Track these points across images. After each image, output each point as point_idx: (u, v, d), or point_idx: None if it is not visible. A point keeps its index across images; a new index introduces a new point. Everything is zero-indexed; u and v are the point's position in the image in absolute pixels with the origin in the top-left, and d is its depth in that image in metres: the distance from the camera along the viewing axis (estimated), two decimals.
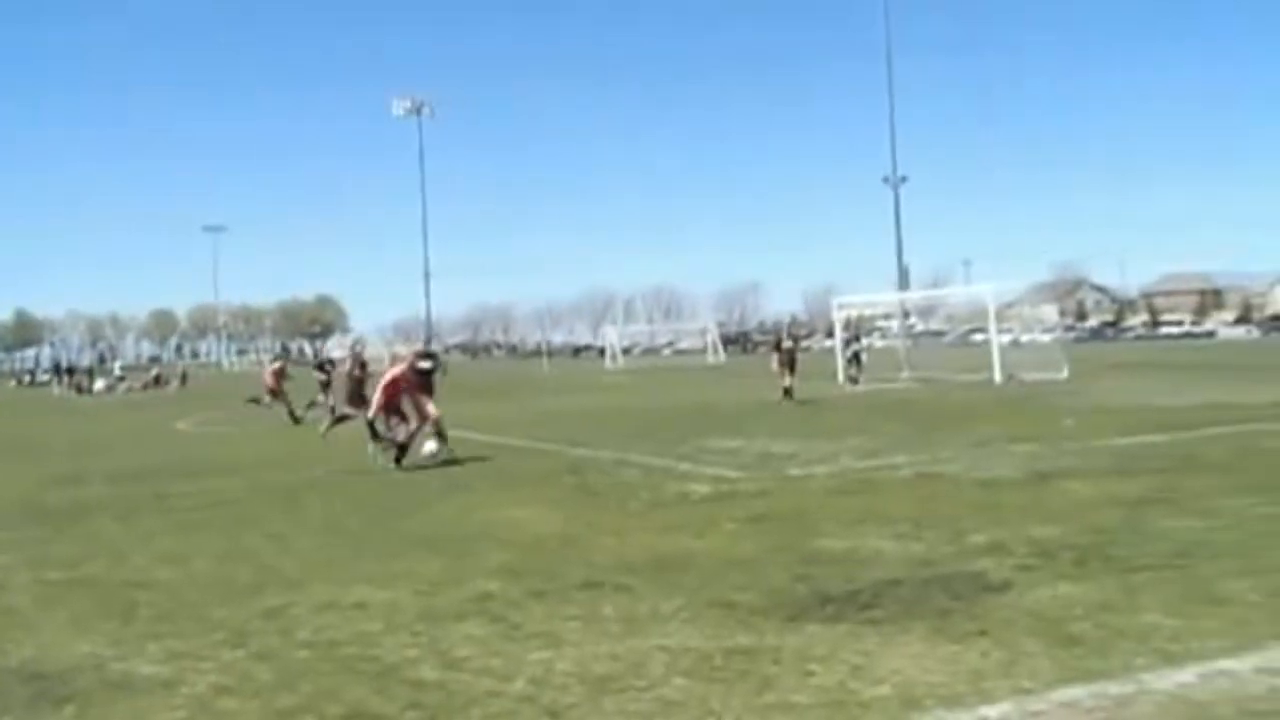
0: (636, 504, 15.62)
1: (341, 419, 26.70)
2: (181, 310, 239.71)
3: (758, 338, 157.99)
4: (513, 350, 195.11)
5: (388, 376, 22.63)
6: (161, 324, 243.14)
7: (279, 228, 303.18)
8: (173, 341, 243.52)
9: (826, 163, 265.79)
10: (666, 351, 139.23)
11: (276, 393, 37.82)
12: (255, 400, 38.82)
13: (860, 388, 43.20)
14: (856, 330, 47.79)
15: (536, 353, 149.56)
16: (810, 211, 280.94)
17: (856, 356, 46.80)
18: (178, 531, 14.78)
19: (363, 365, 28.24)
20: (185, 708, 7.57)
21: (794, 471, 18.18)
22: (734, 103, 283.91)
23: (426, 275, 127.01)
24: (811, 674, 7.62)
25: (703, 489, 16.56)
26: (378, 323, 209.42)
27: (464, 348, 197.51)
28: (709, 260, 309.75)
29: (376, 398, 22.31)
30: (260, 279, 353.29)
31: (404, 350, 26.61)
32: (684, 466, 19.35)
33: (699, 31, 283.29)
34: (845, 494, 15.63)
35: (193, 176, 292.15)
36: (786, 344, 38.87)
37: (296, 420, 35.56)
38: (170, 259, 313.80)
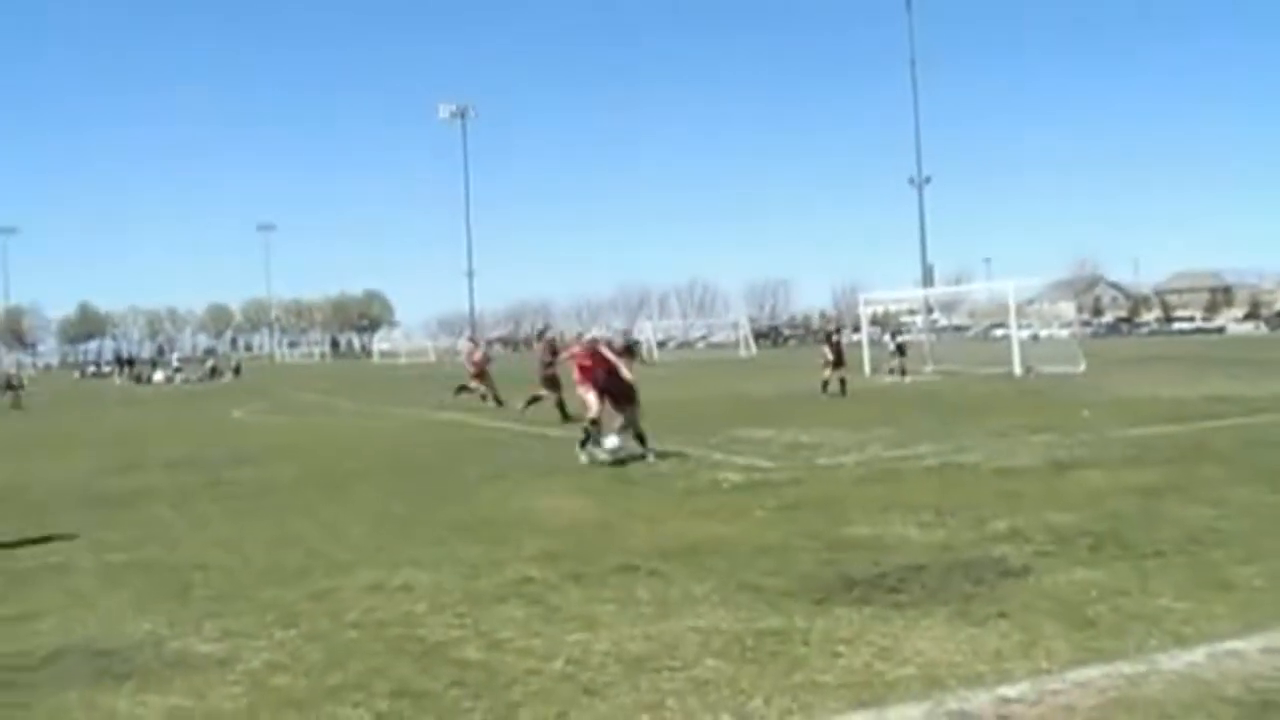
0: (670, 492, 15.65)
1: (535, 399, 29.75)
2: (236, 305, 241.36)
3: (788, 332, 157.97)
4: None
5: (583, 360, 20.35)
6: (217, 318, 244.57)
7: (329, 226, 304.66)
8: (227, 335, 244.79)
9: (855, 163, 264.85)
10: (700, 345, 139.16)
11: (481, 377, 37.30)
12: (464, 389, 37.19)
13: (905, 379, 42.88)
14: (898, 324, 47.56)
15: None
16: (839, 210, 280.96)
17: (901, 349, 46.47)
18: (231, 517, 14.90)
19: (554, 352, 29.40)
20: (240, 684, 7.64)
21: (822, 461, 18.17)
22: (767, 104, 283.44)
23: (470, 272, 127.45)
24: (839, 655, 7.64)
25: (734, 478, 16.57)
26: (423, 317, 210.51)
27: (505, 341, 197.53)
28: (740, 257, 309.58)
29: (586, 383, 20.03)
30: (311, 275, 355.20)
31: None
32: (716, 456, 19.35)
33: (734, 35, 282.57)
34: (871, 482, 15.62)
35: (248, 177, 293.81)
36: (836, 337, 38.64)
37: (500, 403, 35.01)
38: (226, 256, 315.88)
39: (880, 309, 52.16)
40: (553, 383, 29.45)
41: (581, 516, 13.94)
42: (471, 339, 38.64)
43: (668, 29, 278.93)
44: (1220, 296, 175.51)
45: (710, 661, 7.61)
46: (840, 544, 11.42)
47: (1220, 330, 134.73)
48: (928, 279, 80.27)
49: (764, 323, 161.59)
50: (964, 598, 9.01)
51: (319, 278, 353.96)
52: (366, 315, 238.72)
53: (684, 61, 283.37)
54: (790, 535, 12.04)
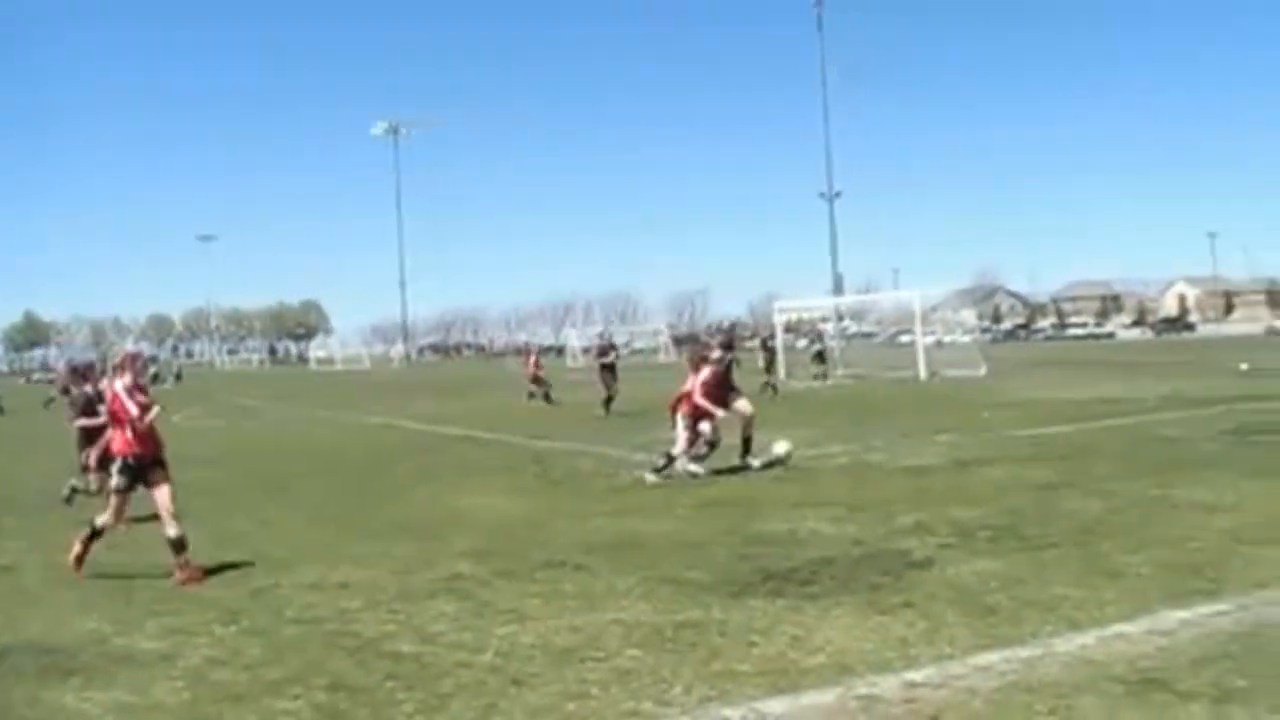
0: (594, 491, 15.68)
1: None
2: (177, 314, 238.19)
3: (705, 338, 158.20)
4: (481, 350, 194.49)
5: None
6: (159, 327, 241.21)
7: (268, 238, 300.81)
8: (169, 343, 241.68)
9: (770, 177, 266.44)
10: (623, 351, 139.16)
11: (539, 380, 38.51)
12: (532, 395, 38.29)
13: (827, 383, 43.14)
14: (817, 331, 47.73)
15: (503, 353, 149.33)
16: (755, 223, 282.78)
17: (821, 355, 46.77)
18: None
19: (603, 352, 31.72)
20: (182, 679, 7.57)
21: (738, 461, 18.23)
22: (688, 121, 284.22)
23: (403, 282, 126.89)
24: (754, 644, 7.69)
25: (654, 477, 16.59)
26: (357, 325, 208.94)
27: (436, 348, 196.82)
28: (661, 268, 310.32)
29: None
30: (250, 285, 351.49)
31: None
32: (638, 456, 19.37)
33: (653, 56, 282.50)
34: (786, 481, 15.72)
35: (188, 190, 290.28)
36: (770, 343, 38.93)
37: (551, 402, 36.71)
38: (167, 267, 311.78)
39: (794, 316, 52.25)
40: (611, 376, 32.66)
41: (510, 515, 13.93)
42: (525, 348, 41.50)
43: (595, 48, 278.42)
44: (1110, 304, 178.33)
45: (633, 652, 7.64)
46: (756, 539, 11.49)
47: (1110, 336, 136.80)
48: (839, 288, 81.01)
49: (684, 330, 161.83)
50: (872, 588, 9.09)
51: (258, 287, 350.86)
52: (303, 324, 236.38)
53: (609, 79, 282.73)
54: (709, 531, 12.10)
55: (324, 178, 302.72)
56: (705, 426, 17.02)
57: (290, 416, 38.48)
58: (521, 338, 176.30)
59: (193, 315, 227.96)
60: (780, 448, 17.40)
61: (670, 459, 16.71)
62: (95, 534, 11.07)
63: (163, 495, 10.86)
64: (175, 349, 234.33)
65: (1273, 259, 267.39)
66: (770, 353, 37.52)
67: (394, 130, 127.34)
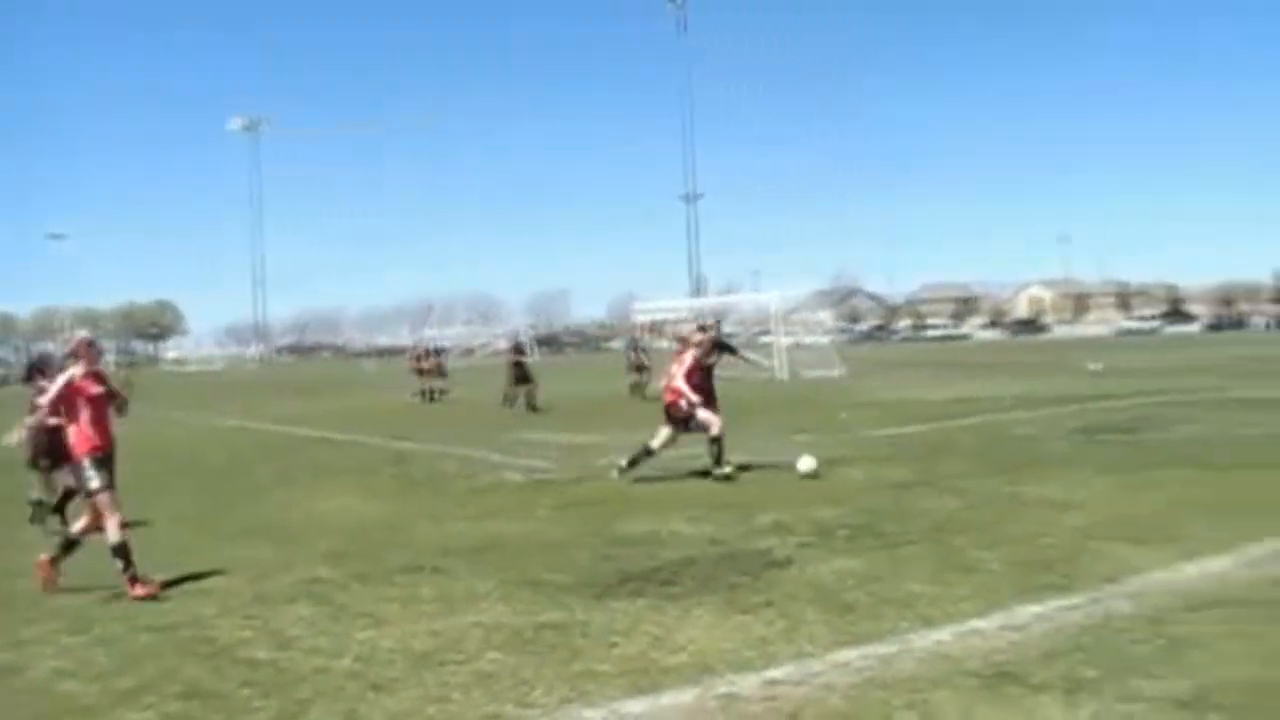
0: (455, 493, 15.59)
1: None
2: (25, 313, 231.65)
3: (566, 339, 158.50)
4: (339, 351, 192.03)
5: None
6: (4, 325, 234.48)
7: (121, 236, 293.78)
8: (13, 342, 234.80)
9: (633, 179, 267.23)
10: (483, 352, 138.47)
11: (425, 372, 39.99)
12: (423, 394, 39.18)
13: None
14: (676, 333, 48.06)
15: (362, 354, 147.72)
16: (617, 223, 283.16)
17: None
18: (22, 524, 14.29)
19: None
20: (26, 692, 7.38)
21: (601, 462, 18.26)
22: (549, 120, 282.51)
23: (260, 281, 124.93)
24: (615, 645, 7.72)
25: (516, 479, 16.58)
26: (213, 326, 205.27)
27: (293, 349, 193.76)
28: (522, 268, 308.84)
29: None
30: (102, 284, 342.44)
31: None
32: (499, 458, 19.33)
33: (515, 54, 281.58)
34: (645, 481, 15.75)
35: (38, 186, 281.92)
36: (644, 344, 39.10)
37: (434, 400, 38.37)
38: (14, 265, 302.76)
39: (653, 318, 52.45)
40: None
41: (369, 517, 13.81)
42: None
43: (453, 45, 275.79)
44: (966, 306, 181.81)
45: (493, 654, 7.62)
46: (617, 540, 11.53)
47: (966, 337, 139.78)
48: (699, 289, 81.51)
49: (544, 331, 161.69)
50: (732, 588, 9.18)
51: (110, 287, 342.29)
52: (157, 324, 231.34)
53: (469, 76, 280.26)
54: (570, 532, 12.12)
55: (181, 175, 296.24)
56: (704, 415, 16.18)
57: (141, 418, 37.62)
58: (380, 339, 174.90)
59: (42, 314, 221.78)
60: (806, 464, 15.50)
61: (649, 452, 16.36)
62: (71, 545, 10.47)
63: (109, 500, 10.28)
64: (18, 349, 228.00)
65: (1122, 262, 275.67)
66: (642, 353, 37.67)
67: (252, 127, 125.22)
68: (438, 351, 43.70)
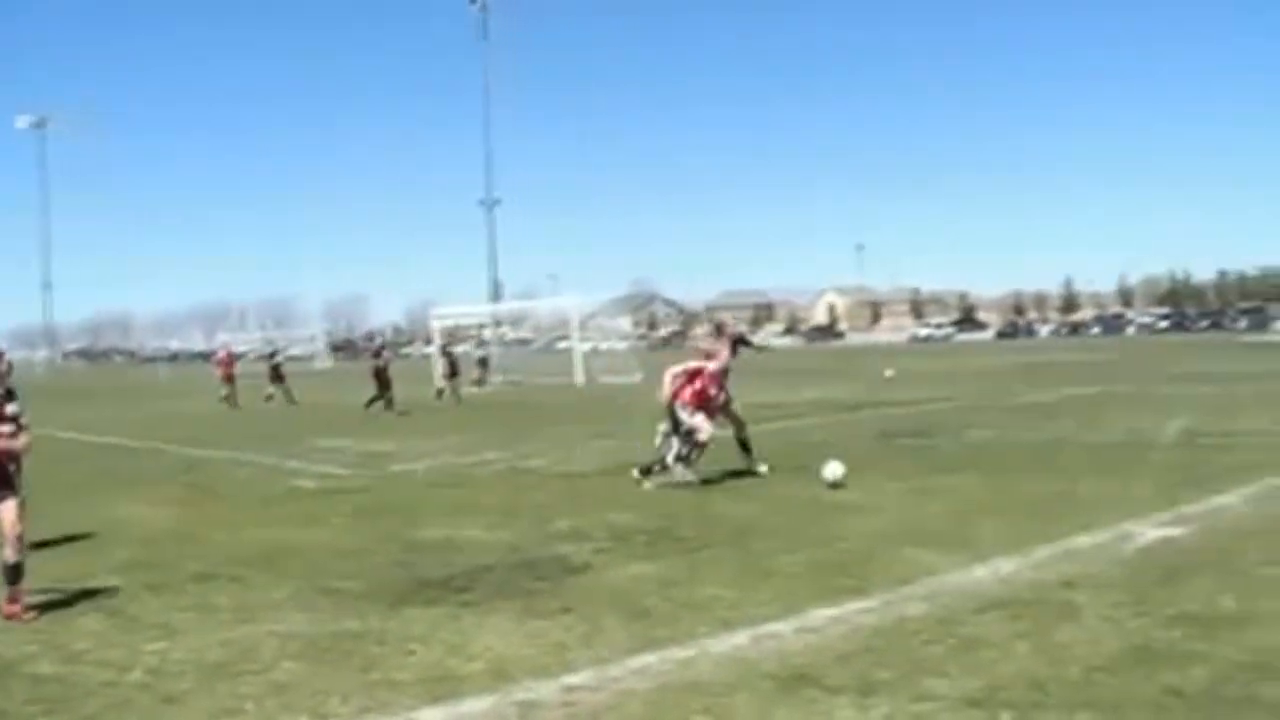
0: (249, 500, 15.32)
1: None
2: None
3: (363, 345, 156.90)
4: (131, 356, 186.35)
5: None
6: None
7: None
8: None
9: (432, 182, 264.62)
10: (279, 358, 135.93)
11: (232, 379, 39.87)
12: (224, 399, 38.80)
13: (484, 389, 43.24)
14: (480, 338, 47.74)
15: (154, 359, 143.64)
16: (415, 228, 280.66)
17: (484, 361, 46.92)
18: None
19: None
20: None
21: (396, 468, 18.14)
22: (346, 123, 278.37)
23: (47, 284, 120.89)
24: (412, 653, 7.66)
25: (311, 485, 16.35)
26: None
27: (83, 354, 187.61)
28: (319, 273, 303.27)
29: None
30: None
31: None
32: (294, 464, 19.04)
33: (310, 54, 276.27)
34: (443, 487, 15.71)
35: None
36: (449, 350, 38.91)
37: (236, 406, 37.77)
38: None
39: (452, 323, 52.17)
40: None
41: (161, 526, 13.46)
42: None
43: (255, 47, 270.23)
44: (763, 312, 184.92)
45: (288, 664, 7.50)
46: (413, 547, 11.45)
47: None
48: (497, 295, 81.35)
49: (341, 336, 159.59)
50: (529, 594, 9.19)
51: None
52: None
53: (269, 79, 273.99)
54: (366, 539, 12.00)
55: None
56: (700, 420, 15.37)
57: None
58: (173, 344, 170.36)
59: None
60: (833, 471, 14.46)
61: (684, 457, 15.39)
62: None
63: (8, 512, 9.50)
64: None
65: (916, 270, 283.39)
66: (452, 359, 37.49)
67: (40, 124, 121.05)
68: (272, 355, 43.07)
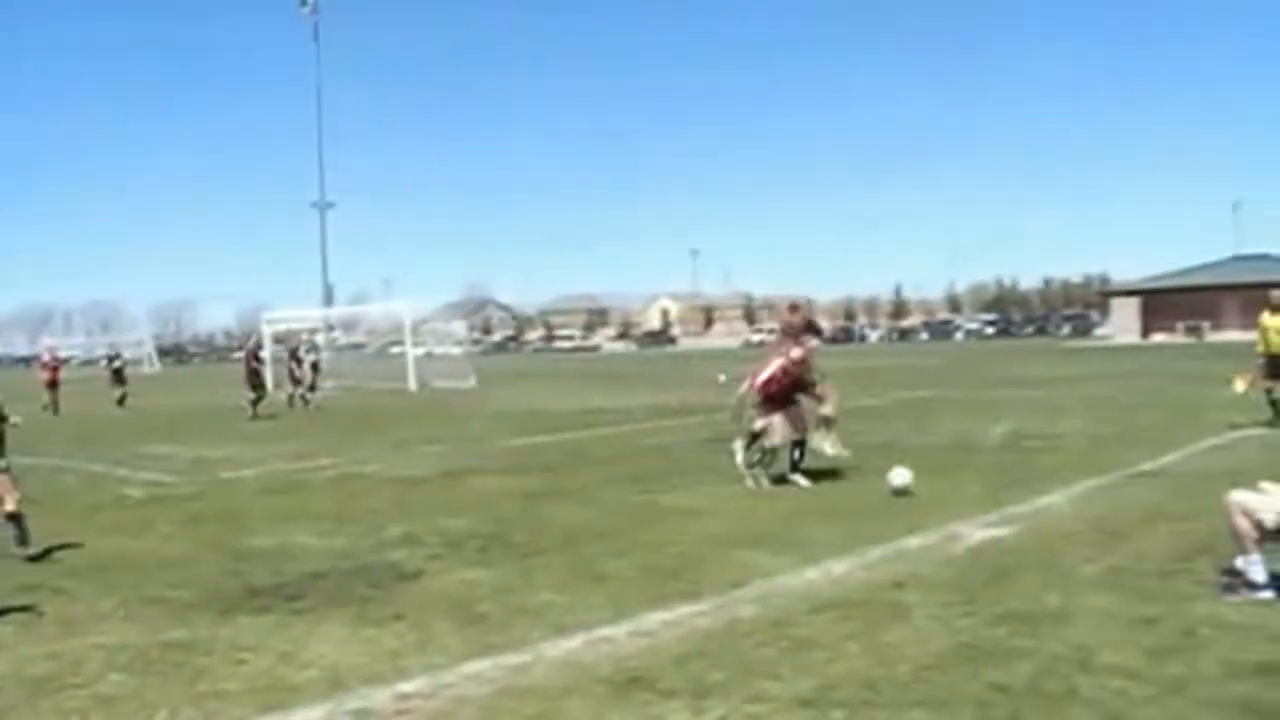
0: (75, 509, 14.89)
1: None
2: None
3: (193, 349, 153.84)
4: None
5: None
6: None
7: None
8: None
9: (263, 185, 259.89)
10: (104, 363, 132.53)
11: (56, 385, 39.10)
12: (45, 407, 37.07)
13: (315, 394, 42.70)
14: (311, 343, 47.07)
15: None
16: (246, 230, 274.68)
17: (315, 366, 46.35)
18: None
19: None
20: None
21: (226, 475, 17.85)
22: (173, 121, 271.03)
23: None
24: (243, 662, 7.55)
25: (139, 493, 16.00)
26: None
27: None
28: (146, 277, 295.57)
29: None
30: None
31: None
32: (121, 472, 18.61)
33: (137, 52, 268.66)
34: (274, 494, 15.50)
35: None
36: (302, 354, 38.32)
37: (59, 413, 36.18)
38: None
39: (283, 328, 51.33)
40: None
41: None
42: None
43: (81, 44, 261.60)
44: (597, 317, 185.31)
45: (115, 677, 7.33)
46: (244, 554, 11.28)
47: (596, 348, 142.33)
48: (329, 299, 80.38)
49: (169, 341, 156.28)
50: (362, 601, 9.12)
51: None
52: None
53: (89, 74, 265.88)
54: (195, 548, 11.79)
55: None
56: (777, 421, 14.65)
57: None
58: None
59: None
60: (901, 478, 13.57)
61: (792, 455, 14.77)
62: None
63: None
64: None
65: (749, 275, 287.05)
66: (301, 363, 36.92)
67: None
68: (115, 358, 42.10)
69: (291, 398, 35.77)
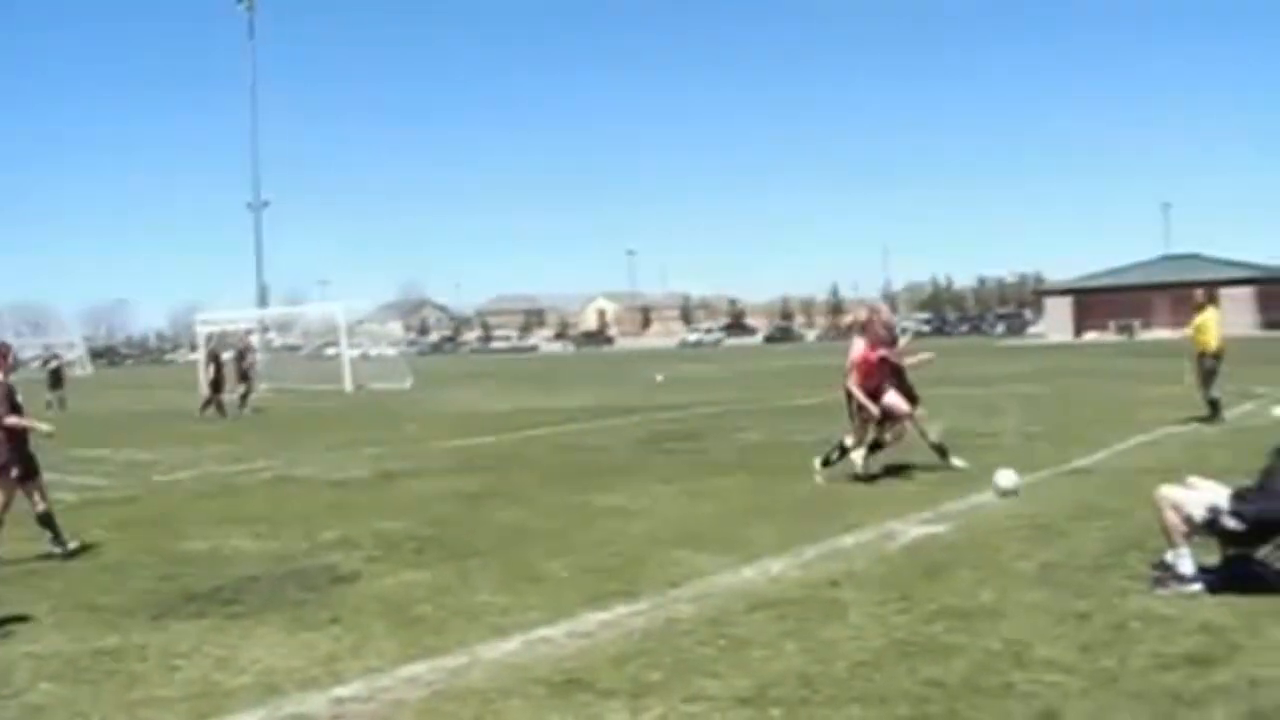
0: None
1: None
2: None
3: (125, 351, 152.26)
4: None
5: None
6: None
7: None
8: None
9: (196, 185, 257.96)
10: (34, 365, 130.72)
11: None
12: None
13: (251, 396, 42.41)
14: (246, 344, 46.67)
15: None
16: (179, 230, 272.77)
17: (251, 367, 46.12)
18: None
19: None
20: None
21: (159, 478, 17.67)
22: (105, 120, 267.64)
23: None
24: (177, 668, 7.47)
25: (70, 497, 15.75)
26: None
27: None
28: (77, 277, 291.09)
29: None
30: None
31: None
32: (51, 476, 18.25)
33: (68, 52, 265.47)
34: (208, 497, 15.37)
35: None
36: (250, 355, 37.99)
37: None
38: None
39: (218, 329, 50.88)
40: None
41: None
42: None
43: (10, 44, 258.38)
44: (534, 318, 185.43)
45: (46, 685, 7.22)
46: (178, 559, 11.16)
47: (534, 349, 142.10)
48: (263, 300, 79.73)
49: (101, 343, 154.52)
50: (298, 605, 9.05)
51: None
52: None
53: (23, 75, 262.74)
54: (128, 552, 11.66)
55: None
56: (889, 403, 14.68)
57: None
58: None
59: None
60: (1007, 480, 12.97)
61: (843, 450, 14.69)
62: None
63: None
64: None
65: (686, 276, 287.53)
66: (242, 366, 36.63)
67: None
68: (53, 359, 41.74)
69: (244, 398, 35.42)
